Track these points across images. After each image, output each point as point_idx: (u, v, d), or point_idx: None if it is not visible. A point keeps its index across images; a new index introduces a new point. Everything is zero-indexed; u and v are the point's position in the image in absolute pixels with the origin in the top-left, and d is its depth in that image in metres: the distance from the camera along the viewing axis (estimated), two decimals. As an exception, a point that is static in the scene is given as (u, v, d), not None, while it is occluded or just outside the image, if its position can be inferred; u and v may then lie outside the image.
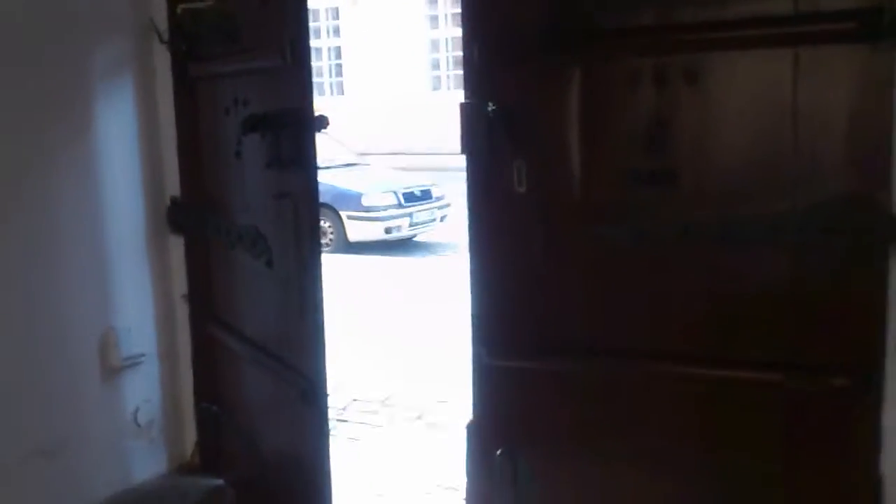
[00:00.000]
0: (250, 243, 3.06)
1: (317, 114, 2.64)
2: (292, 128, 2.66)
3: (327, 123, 2.63)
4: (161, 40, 3.57)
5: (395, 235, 10.93)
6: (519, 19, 2.55)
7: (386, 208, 10.85)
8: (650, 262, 2.49)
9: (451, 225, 11.28)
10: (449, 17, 21.32)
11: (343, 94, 21.63)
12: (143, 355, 3.63)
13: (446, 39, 21.53)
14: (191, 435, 3.86)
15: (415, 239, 11.40)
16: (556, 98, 2.54)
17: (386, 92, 20.63)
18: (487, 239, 2.69)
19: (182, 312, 3.77)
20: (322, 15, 21.66)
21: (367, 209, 10.78)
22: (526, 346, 2.67)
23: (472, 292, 2.73)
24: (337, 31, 21.99)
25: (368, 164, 12.78)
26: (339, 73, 22.14)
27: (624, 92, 2.45)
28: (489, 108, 2.55)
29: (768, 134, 2.33)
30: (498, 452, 2.68)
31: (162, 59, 3.63)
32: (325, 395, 2.79)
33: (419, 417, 4.72)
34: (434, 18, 21.56)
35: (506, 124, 2.55)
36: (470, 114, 2.60)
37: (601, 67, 2.51)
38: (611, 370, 2.59)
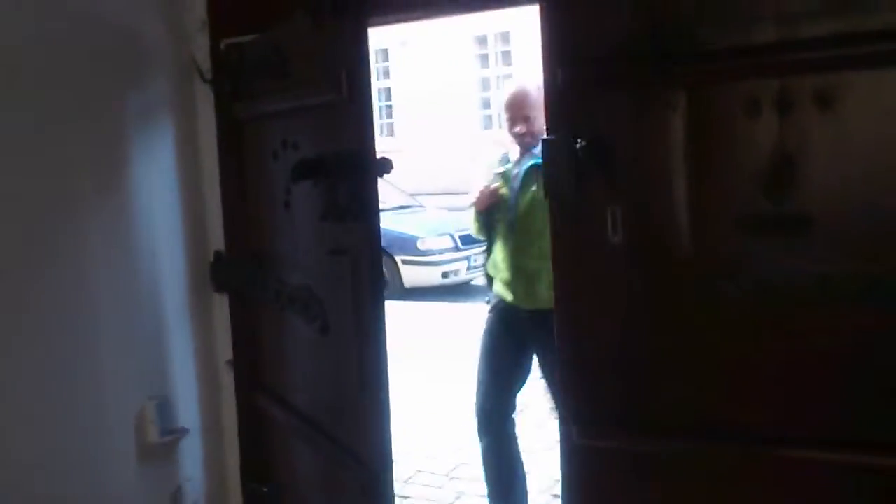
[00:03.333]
0: (303, 306, 2.69)
1: (378, 156, 2.27)
2: (350, 173, 2.29)
3: (391, 167, 2.26)
4: (203, 79, 3.26)
5: (452, 280, 10.57)
6: (612, 40, 2.17)
7: (442, 252, 10.51)
8: (776, 325, 2.07)
9: (510, 267, 10.91)
10: (499, 56, 21.22)
11: (393, 134, 21.54)
12: (184, 429, 3.25)
13: (497, 78, 21.41)
14: (238, 518, 3.48)
15: (473, 283, 10.95)
16: (658, 130, 2.16)
17: (436, 131, 20.50)
18: (577, 297, 2.30)
19: (227, 380, 3.40)
20: (372, 57, 21.66)
21: (423, 253, 10.46)
22: (624, 424, 2.26)
23: (561, 360, 2.34)
24: (387, 73, 21.99)
25: (423, 207, 12.48)
26: (389, 115, 22.09)
27: (740, 121, 2.05)
28: (578, 144, 2.16)
29: (926, 168, 1.90)
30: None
31: (205, 100, 3.31)
32: (391, 489, 2.38)
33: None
34: (484, 57, 21.45)
35: (598, 162, 2.17)
36: (555, 151, 2.22)
37: (712, 92, 2.11)
38: (726, 454, 2.17)
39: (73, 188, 2.92)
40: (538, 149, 3.51)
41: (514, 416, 3.94)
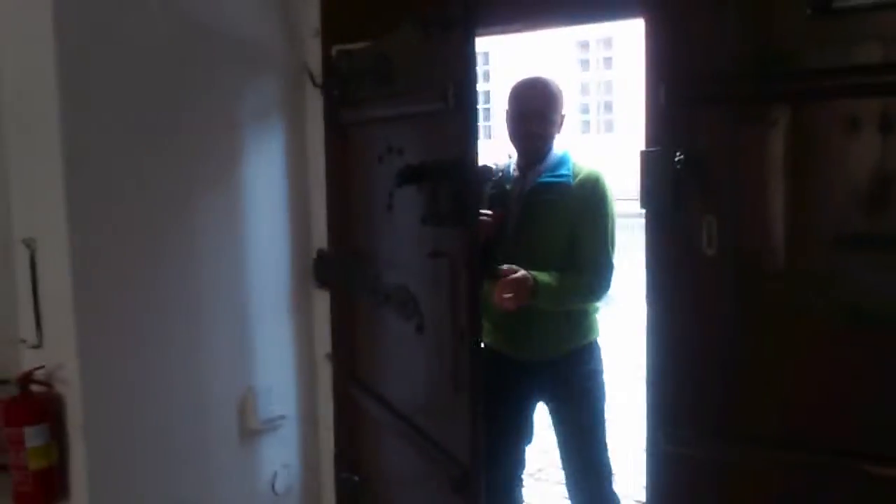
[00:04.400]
0: (400, 304, 2.77)
1: (480, 164, 2.34)
2: (452, 179, 2.36)
3: (492, 175, 2.33)
4: (314, 84, 3.39)
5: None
6: (715, 56, 2.19)
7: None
8: (870, 346, 2.05)
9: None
10: (600, 62, 21.04)
11: (490, 137, 21.62)
12: (283, 417, 3.39)
13: (597, 83, 21.24)
14: (330, 505, 3.59)
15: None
16: (756, 146, 2.16)
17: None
18: (669, 308, 2.32)
19: (325, 373, 3.52)
20: (472, 60, 21.73)
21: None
22: (713, 433, 2.28)
23: (650, 368, 2.36)
24: (486, 76, 22.02)
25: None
26: (487, 118, 22.14)
27: (840, 140, 2.05)
28: (676, 157, 2.19)
29: None
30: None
31: (314, 104, 3.44)
32: (481, 486, 2.44)
33: (575, 496, 4.27)
34: (585, 62, 21.32)
35: (696, 175, 2.20)
36: (653, 163, 2.25)
37: (812, 111, 2.10)
38: (812, 466, 2.16)
39: (188, 183, 3.08)
40: (547, 161, 3.01)
41: (521, 475, 3.39)
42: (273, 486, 3.39)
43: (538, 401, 3.24)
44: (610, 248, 3.02)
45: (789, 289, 2.16)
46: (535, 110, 2.98)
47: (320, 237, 3.49)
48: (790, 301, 2.15)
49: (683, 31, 2.23)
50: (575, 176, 3.01)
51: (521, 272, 2.90)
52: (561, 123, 3.08)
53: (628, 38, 18.44)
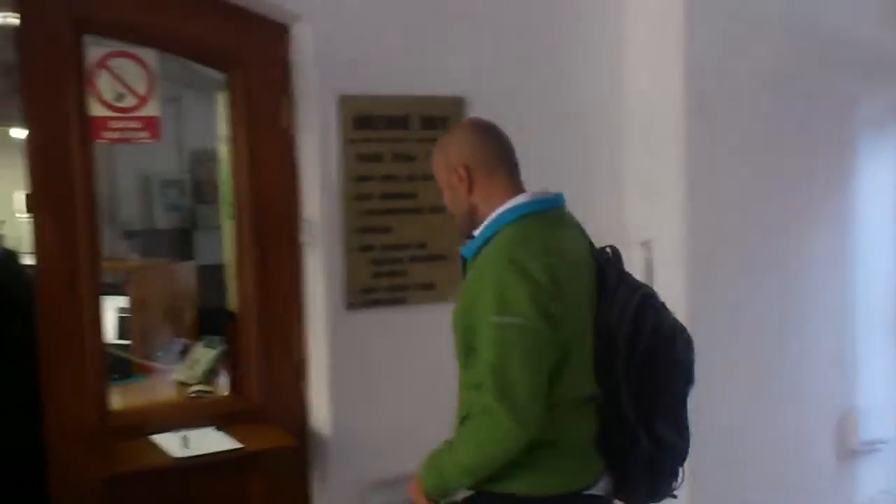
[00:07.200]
0: None
1: None
2: None
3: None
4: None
5: None
6: None
7: None
8: None
9: None
10: None
11: None
12: (883, 442, 3.18)
13: None
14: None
15: None
16: None
17: None
18: None
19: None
20: None
21: None
22: None
23: None
24: None
25: None
26: None
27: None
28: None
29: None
30: None
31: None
32: None
33: None
34: None
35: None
36: None
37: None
38: None
39: (800, 193, 3.02)
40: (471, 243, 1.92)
41: None
42: (868, 512, 3.21)
43: None
44: (494, 367, 1.73)
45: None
46: None
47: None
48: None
49: None
50: (475, 253, 1.92)
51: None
52: (464, 179, 1.90)
53: None
